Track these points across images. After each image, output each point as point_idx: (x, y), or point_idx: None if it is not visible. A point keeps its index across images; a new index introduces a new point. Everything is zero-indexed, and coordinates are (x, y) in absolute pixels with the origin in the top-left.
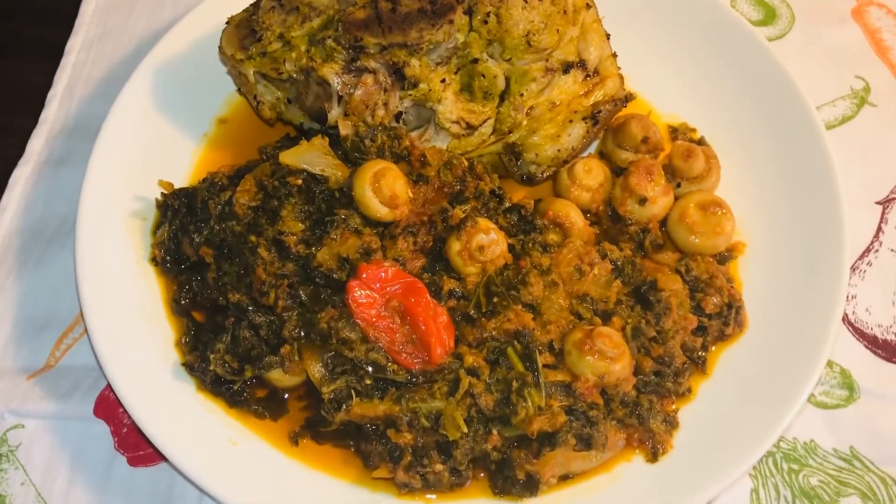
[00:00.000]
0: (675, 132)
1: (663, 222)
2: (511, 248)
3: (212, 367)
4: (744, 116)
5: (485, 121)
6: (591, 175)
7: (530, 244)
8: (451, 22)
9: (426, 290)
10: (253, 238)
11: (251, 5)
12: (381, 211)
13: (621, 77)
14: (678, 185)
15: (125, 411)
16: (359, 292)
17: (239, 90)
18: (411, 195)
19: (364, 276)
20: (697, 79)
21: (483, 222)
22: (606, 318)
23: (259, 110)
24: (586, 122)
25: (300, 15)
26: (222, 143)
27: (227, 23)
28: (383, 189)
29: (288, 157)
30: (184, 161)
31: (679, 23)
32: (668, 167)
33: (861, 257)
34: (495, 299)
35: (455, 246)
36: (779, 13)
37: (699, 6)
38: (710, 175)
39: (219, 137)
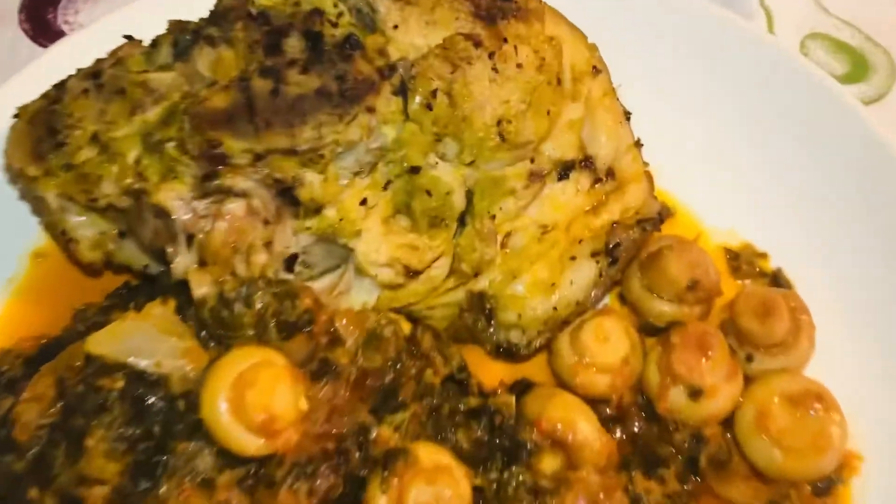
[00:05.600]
0: (735, 259)
1: (727, 420)
2: (478, 493)
3: None
4: (840, 229)
5: (435, 260)
6: (608, 345)
7: (512, 485)
8: (372, 110)
9: None
10: (34, 494)
11: (53, 87)
12: (249, 445)
13: (650, 179)
14: (749, 358)
15: None
16: None
17: (43, 226)
18: (304, 408)
19: None
20: (764, 171)
21: (428, 453)
22: None
23: (74, 252)
24: (598, 261)
25: (128, 102)
26: (38, 292)
27: (15, 115)
28: (249, 409)
29: (99, 344)
30: None
31: (731, 82)
32: (731, 325)
33: None
34: None
35: (378, 502)
36: (872, 63)
37: (757, 56)
38: (797, 340)
39: (33, 281)
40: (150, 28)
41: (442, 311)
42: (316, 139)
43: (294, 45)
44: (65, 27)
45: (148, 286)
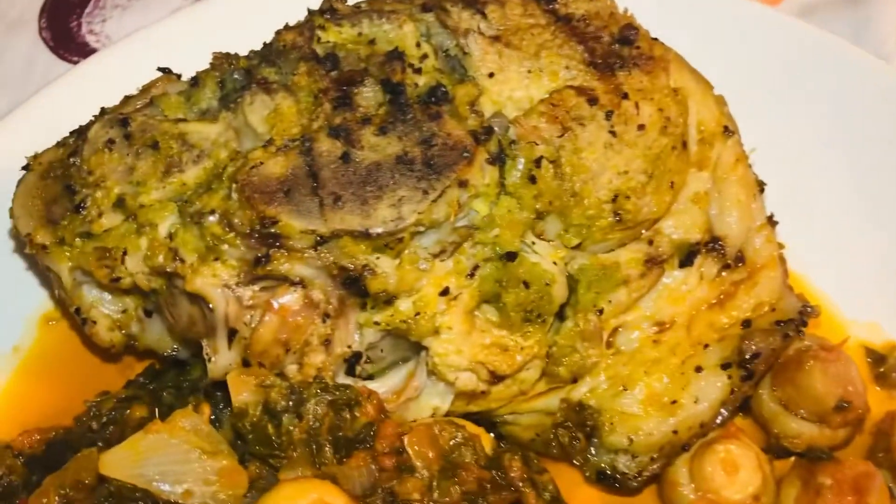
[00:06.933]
0: (880, 363)
1: None
2: None
3: None
4: None
5: (526, 363)
6: (736, 478)
7: None
8: (464, 184)
9: None
10: None
11: (73, 133)
12: None
13: (783, 264)
14: None
15: None
16: None
17: (54, 294)
18: None
19: None
20: None
21: None
22: None
23: (90, 334)
24: (730, 374)
25: (162, 158)
26: (48, 362)
27: (25, 167)
28: None
29: (115, 467)
30: None
31: (869, 135)
32: (886, 456)
33: None
34: None
35: None
36: None
37: None
38: None
39: (43, 350)
40: (193, 47)
41: (529, 418)
42: (394, 219)
43: (369, 97)
44: (90, 38)
45: (175, 374)
